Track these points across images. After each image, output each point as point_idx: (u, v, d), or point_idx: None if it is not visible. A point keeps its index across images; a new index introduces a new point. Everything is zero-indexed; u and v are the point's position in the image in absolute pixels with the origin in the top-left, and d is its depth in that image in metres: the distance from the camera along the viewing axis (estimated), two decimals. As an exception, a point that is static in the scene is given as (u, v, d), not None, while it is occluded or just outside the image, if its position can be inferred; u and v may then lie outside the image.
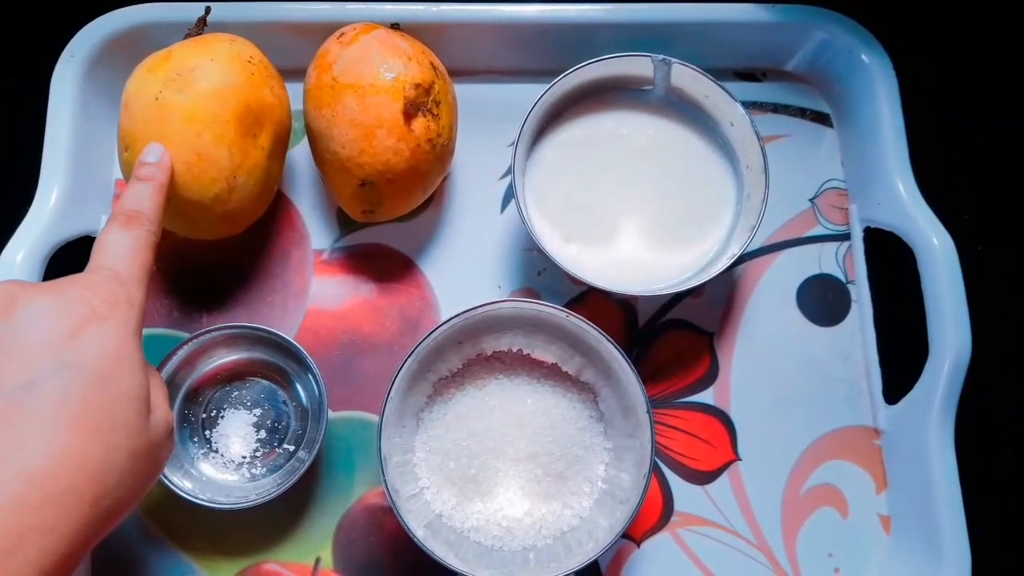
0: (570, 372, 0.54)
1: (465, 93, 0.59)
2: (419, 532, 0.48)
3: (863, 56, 0.59)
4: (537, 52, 0.60)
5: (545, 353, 0.54)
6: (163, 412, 0.41)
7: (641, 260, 0.56)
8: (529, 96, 0.55)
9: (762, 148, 0.54)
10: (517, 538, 0.51)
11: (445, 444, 0.52)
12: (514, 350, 0.55)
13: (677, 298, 0.59)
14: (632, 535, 0.55)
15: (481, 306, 0.50)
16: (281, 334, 0.52)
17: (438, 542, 0.49)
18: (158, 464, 0.41)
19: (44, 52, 0.57)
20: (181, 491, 0.50)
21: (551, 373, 0.54)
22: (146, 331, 0.56)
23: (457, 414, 0.53)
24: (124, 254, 0.42)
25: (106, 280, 0.40)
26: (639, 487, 0.48)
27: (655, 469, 0.56)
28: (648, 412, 0.49)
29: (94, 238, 0.57)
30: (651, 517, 0.55)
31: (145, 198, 0.45)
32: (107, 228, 0.43)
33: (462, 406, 0.53)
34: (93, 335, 0.38)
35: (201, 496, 0.51)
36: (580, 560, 0.48)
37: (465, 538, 0.51)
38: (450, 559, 0.47)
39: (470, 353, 0.54)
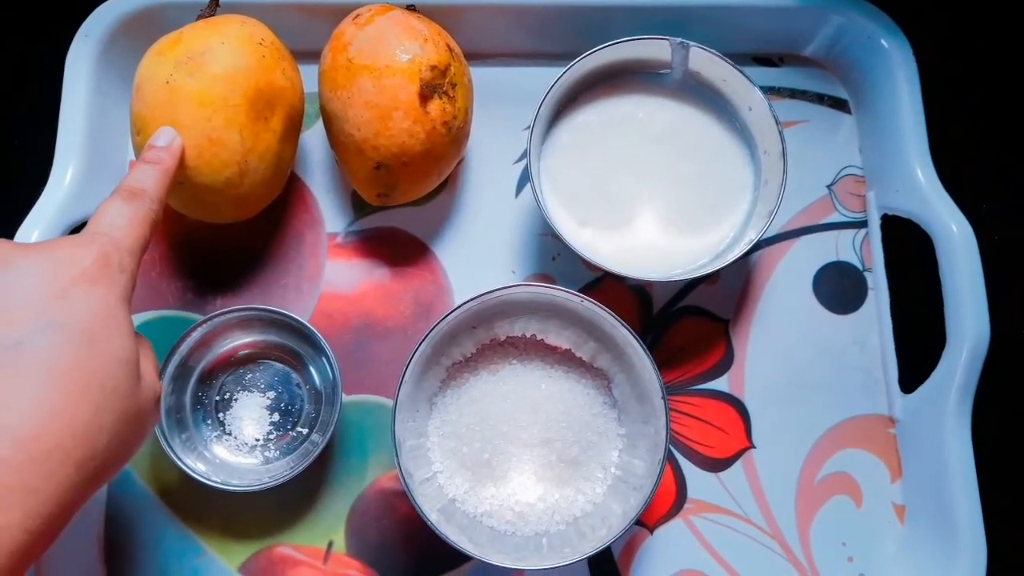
0: (584, 358, 0.54)
1: (481, 76, 0.58)
2: (432, 516, 0.48)
3: (882, 41, 0.58)
4: (554, 35, 0.60)
5: (559, 338, 0.54)
6: (151, 380, 0.40)
7: (657, 245, 0.56)
8: (545, 79, 0.54)
9: (781, 133, 0.54)
10: (530, 523, 0.51)
11: (459, 429, 0.52)
12: (528, 335, 0.54)
13: (692, 284, 0.58)
14: (645, 522, 0.55)
15: (495, 291, 0.50)
16: (296, 316, 0.52)
17: (451, 526, 0.49)
18: (143, 431, 0.40)
19: (60, 30, 0.57)
20: (195, 473, 0.50)
21: (565, 359, 0.54)
22: (160, 313, 0.57)
23: (471, 398, 0.53)
24: (122, 223, 0.41)
25: (99, 243, 0.39)
26: (653, 474, 0.48)
27: (669, 456, 0.56)
28: (663, 399, 0.48)
29: (108, 219, 0.57)
30: (664, 504, 0.55)
31: (149, 179, 0.45)
32: (108, 199, 0.43)
33: (476, 390, 0.53)
34: (81, 295, 0.37)
35: (214, 478, 0.51)
36: (593, 545, 0.47)
37: (478, 522, 0.51)
38: (463, 543, 0.47)
39: (484, 338, 0.54)
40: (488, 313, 0.52)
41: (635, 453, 0.52)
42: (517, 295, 0.51)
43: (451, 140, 0.53)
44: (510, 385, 0.53)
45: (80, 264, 0.38)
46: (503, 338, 0.54)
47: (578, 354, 0.54)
